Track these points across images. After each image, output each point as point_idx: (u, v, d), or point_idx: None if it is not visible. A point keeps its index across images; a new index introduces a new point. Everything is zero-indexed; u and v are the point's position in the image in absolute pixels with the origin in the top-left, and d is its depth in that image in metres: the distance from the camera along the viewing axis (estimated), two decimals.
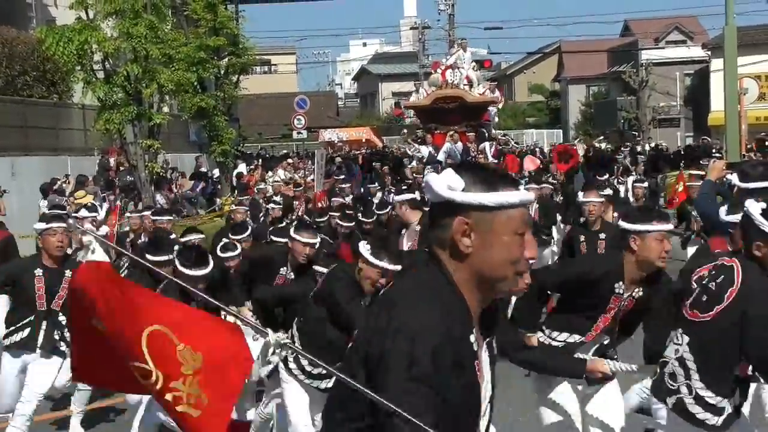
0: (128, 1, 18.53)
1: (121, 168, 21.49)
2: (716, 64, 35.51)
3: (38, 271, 6.81)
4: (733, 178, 6.57)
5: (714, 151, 24.67)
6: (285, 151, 38.97)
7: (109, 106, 18.39)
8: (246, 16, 28.54)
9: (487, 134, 26.43)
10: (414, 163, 25.30)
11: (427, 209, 9.73)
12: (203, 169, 26.51)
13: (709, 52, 39.62)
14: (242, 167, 26.98)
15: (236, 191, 22.86)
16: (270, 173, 28.27)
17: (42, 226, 6.88)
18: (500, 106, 30.52)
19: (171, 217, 11.20)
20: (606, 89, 56.70)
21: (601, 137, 43.48)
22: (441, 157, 24.03)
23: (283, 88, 59.15)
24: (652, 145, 33.23)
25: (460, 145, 24.82)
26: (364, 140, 35.84)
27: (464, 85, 26.91)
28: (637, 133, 44.43)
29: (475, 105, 26.74)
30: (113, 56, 18.64)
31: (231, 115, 26.74)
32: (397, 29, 75.84)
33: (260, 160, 30.20)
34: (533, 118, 61.97)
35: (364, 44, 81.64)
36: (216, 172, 25.45)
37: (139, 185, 19.17)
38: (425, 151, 25.56)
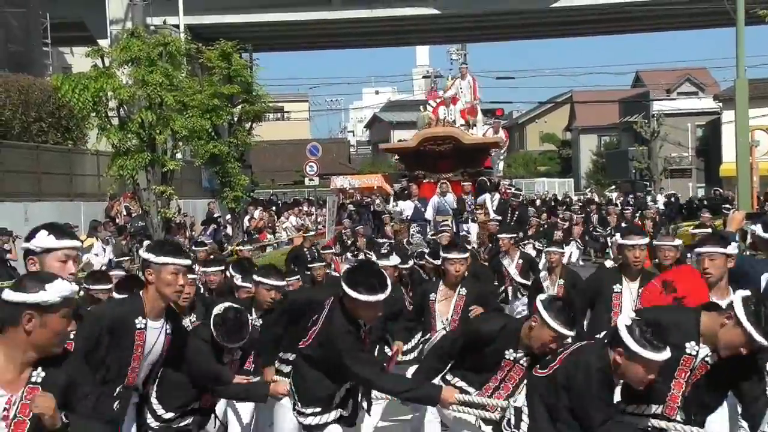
0: (144, 49, 18.71)
1: (133, 214, 21.57)
2: (728, 115, 35.63)
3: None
4: (757, 228, 6.51)
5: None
6: (296, 198, 39.10)
7: (123, 152, 18.48)
8: (260, 64, 28.79)
9: (488, 183, 21.50)
10: (395, 221, 20.94)
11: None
12: (216, 215, 26.59)
13: (721, 104, 39.74)
14: (256, 213, 27.06)
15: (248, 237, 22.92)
16: (282, 218, 28.35)
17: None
18: (504, 150, 25.56)
19: None
20: (617, 139, 56.89)
21: (613, 187, 43.52)
22: (429, 214, 19.93)
23: (295, 135, 59.56)
24: (663, 196, 33.16)
25: (450, 197, 20.06)
26: (375, 187, 35.89)
27: (461, 124, 22.44)
28: (648, 184, 44.46)
29: (473, 148, 21.82)
30: (128, 103, 18.77)
31: (244, 161, 26.85)
32: (410, 78, 76.42)
33: (274, 207, 30.26)
34: (545, 167, 62.14)
35: (377, 92, 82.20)
36: (228, 218, 25.53)
37: (152, 231, 19.22)
38: (408, 207, 20.80)
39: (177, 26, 29.86)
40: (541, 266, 13.75)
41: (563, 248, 16.50)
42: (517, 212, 19.69)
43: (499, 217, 18.36)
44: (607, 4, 28.93)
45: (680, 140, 47.70)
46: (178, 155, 21.78)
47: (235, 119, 24.92)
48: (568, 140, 64.34)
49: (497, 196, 20.43)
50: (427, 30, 37.82)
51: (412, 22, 33.97)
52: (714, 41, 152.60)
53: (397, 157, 23.21)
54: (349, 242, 20.45)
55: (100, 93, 17.97)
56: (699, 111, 47.59)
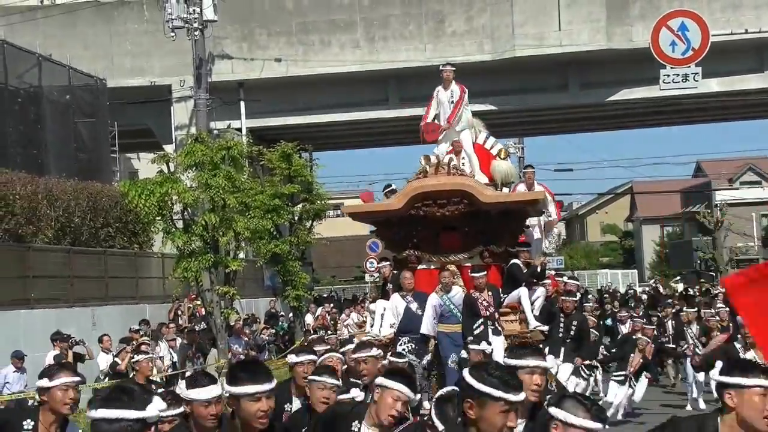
0: (207, 154, 19.23)
1: (197, 315, 21.83)
2: None
3: None
4: None
5: None
6: (355, 294, 39.24)
7: (188, 254, 18.84)
8: (319, 162, 29.36)
9: (527, 270, 12.56)
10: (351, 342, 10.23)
11: None
12: (281, 314, 26.77)
13: None
14: (319, 311, 27.17)
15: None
16: (343, 316, 28.37)
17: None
18: (555, 219, 15.14)
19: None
20: (680, 229, 56.26)
21: (678, 278, 42.85)
22: (427, 326, 11.47)
23: (355, 231, 59.92)
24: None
25: (456, 292, 11.92)
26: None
27: (473, 170, 13.24)
28: (715, 275, 43.67)
29: (498, 211, 12.29)
30: (192, 206, 19.22)
31: (304, 259, 27.14)
32: None
33: (332, 305, 30.34)
34: (607, 259, 61.55)
35: None
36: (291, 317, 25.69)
37: (215, 332, 19.41)
38: (392, 309, 11.92)
39: (240, 129, 30.67)
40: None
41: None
42: (575, 322, 13.28)
43: (544, 327, 12.06)
44: (662, 97, 29.02)
45: (745, 230, 47.03)
46: (241, 255, 22.13)
47: (296, 218, 25.29)
48: (630, 231, 63.79)
49: (541, 291, 12.81)
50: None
51: None
52: None
53: (373, 228, 13.68)
54: None
55: (165, 197, 18.47)
56: (763, 200, 47.06)
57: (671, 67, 20.18)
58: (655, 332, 16.44)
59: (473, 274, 11.76)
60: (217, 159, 19.43)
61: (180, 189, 18.63)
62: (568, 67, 31.60)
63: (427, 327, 11.46)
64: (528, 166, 15.35)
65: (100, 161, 26.86)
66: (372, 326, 12.25)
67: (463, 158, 13.27)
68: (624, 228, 65.35)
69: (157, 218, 19.00)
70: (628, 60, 29.68)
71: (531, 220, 13.59)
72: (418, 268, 12.39)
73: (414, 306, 11.62)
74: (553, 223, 14.83)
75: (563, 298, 13.50)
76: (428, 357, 11.28)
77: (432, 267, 12.46)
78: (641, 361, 14.25)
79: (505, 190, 13.42)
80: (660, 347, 16.22)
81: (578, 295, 14.89)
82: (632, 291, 34.69)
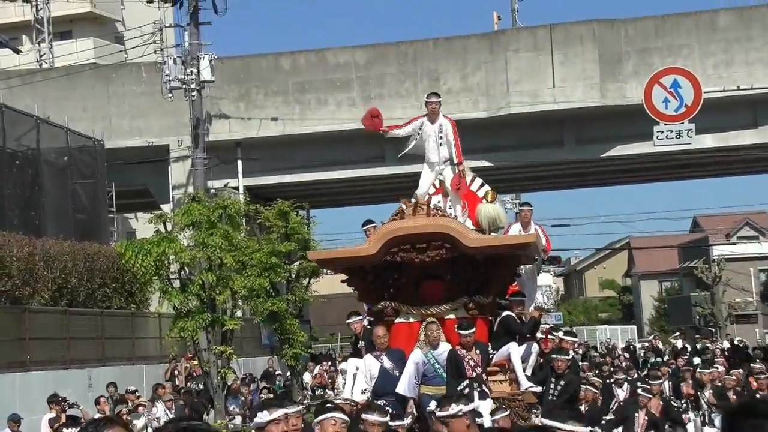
0: (204, 213, 19.29)
1: (194, 374, 21.69)
2: None
3: None
4: None
5: None
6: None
7: (184, 314, 18.80)
8: (316, 219, 29.41)
9: (520, 323, 11.51)
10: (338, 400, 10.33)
11: None
12: (278, 373, 26.59)
13: None
14: (317, 369, 26.99)
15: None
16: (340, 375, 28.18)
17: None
18: (545, 259, 15.52)
19: None
20: (679, 285, 56.23)
21: (677, 333, 42.69)
22: (405, 386, 10.17)
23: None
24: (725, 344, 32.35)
25: (444, 349, 10.48)
26: None
27: (459, 212, 11.75)
28: (714, 330, 43.55)
29: (486, 257, 10.95)
30: (189, 266, 19.22)
31: (302, 317, 27.01)
32: None
33: (329, 362, 30.13)
34: (606, 314, 61.39)
35: None
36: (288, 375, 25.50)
37: (212, 392, 19.27)
38: (364, 370, 10.82)
39: (237, 188, 30.75)
40: None
41: None
42: (562, 382, 11.28)
43: (537, 388, 10.97)
44: (657, 153, 29.19)
45: (743, 285, 46.99)
46: (238, 314, 22.06)
47: (293, 276, 25.22)
48: (629, 286, 63.73)
49: (535, 348, 11.69)
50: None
51: None
52: None
53: (344, 277, 12.02)
54: None
55: (162, 257, 18.48)
56: (760, 255, 47.14)
57: (664, 124, 20.30)
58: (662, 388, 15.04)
59: (460, 332, 10.35)
60: (214, 218, 19.48)
61: (177, 248, 18.67)
62: (563, 123, 31.84)
63: (404, 386, 9.97)
64: (524, 204, 13.82)
65: (98, 222, 26.89)
66: (344, 386, 10.87)
67: (450, 201, 11.98)
68: (622, 283, 65.29)
69: (154, 278, 19.00)
70: (623, 116, 29.88)
71: (524, 267, 12.12)
72: (396, 321, 11.00)
73: (389, 365, 10.30)
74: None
75: (554, 356, 11.55)
76: (408, 420, 9.12)
77: (411, 320, 10.99)
78: (646, 418, 12.99)
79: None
80: (667, 408, 14.16)
81: (571, 353, 12.73)
82: (632, 347, 34.53)
